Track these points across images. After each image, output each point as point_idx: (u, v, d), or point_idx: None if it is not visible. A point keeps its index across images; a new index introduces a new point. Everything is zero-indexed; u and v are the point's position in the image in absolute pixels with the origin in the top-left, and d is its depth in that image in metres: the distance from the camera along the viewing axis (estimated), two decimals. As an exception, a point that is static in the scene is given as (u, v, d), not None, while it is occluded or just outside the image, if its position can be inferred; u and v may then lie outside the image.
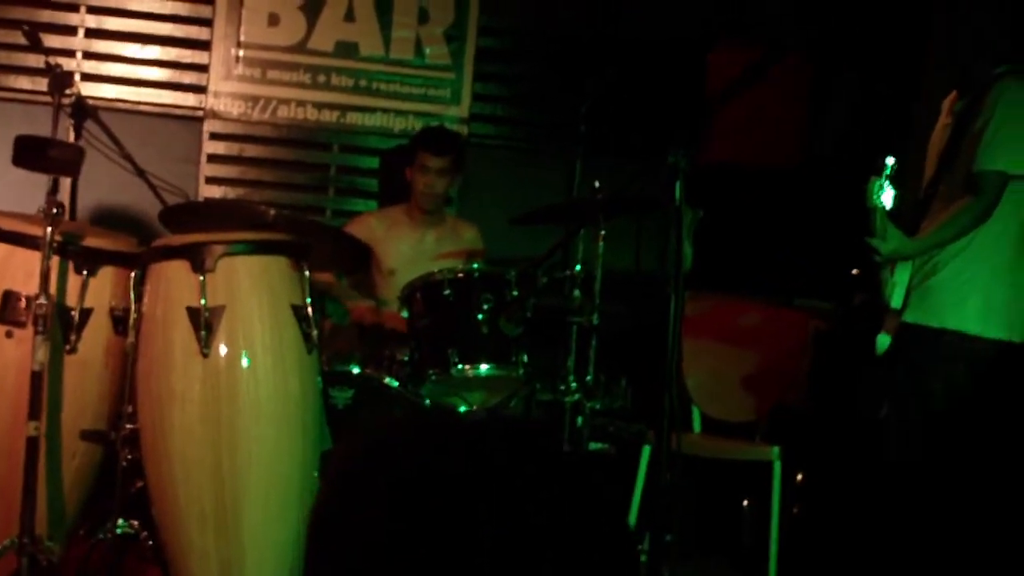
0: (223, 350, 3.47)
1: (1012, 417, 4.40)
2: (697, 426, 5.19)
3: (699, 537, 5.04)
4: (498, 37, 6.18)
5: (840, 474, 5.07)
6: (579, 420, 4.68)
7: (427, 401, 4.41)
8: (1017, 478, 4.74)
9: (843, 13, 6.11)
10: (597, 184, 4.70)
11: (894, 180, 3.83)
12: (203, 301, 3.45)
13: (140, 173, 4.58)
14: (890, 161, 3.85)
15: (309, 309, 3.61)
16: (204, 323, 3.44)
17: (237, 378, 3.46)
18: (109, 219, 5.59)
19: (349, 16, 5.95)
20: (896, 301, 4.08)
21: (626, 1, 6.18)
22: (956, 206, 4.02)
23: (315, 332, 3.61)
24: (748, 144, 5.88)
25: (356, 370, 4.37)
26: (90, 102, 4.70)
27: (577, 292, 4.70)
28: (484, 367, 4.37)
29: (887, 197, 3.86)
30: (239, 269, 3.52)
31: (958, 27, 4.18)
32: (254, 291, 3.53)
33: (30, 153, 3.51)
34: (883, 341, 4.07)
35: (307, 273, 3.64)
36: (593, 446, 4.89)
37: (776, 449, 4.75)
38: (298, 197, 6.03)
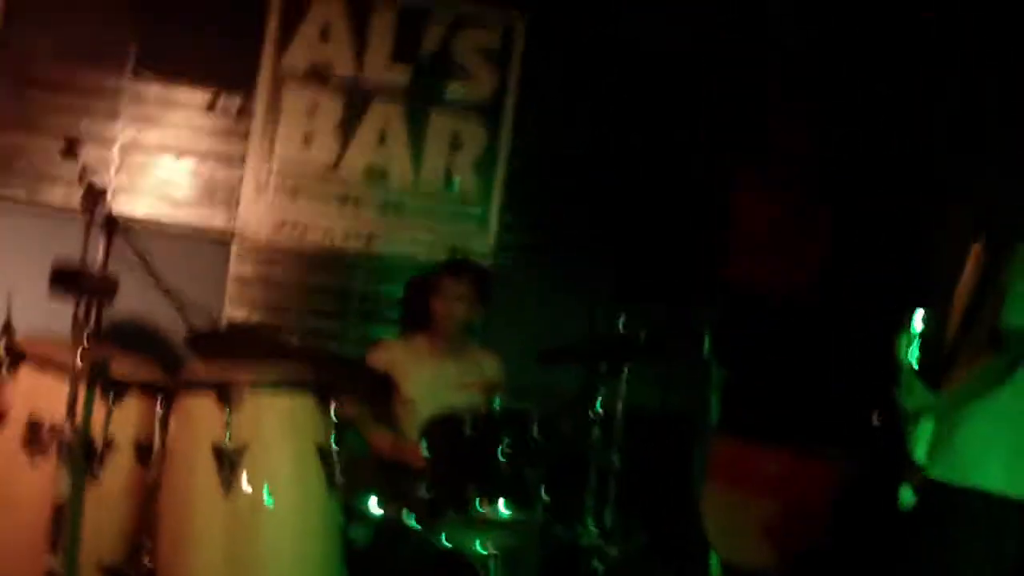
0: (246, 489, 3.45)
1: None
2: (715, 571, 5.13)
3: None
4: (529, 167, 6.19)
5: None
6: (595, 562, 4.62)
7: (444, 540, 4.36)
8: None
9: (863, 161, 6.16)
10: (622, 324, 4.70)
11: (921, 336, 3.84)
12: (228, 439, 3.44)
13: (166, 292, 4.59)
14: (918, 317, 3.85)
15: (334, 450, 3.59)
16: (228, 461, 3.43)
17: (259, 518, 3.46)
18: (134, 336, 5.58)
19: (382, 140, 5.99)
20: (920, 454, 4.05)
21: (655, 136, 6.21)
22: (981, 362, 4.01)
23: (338, 472, 3.59)
24: (767, 280, 5.88)
25: (375, 507, 4.32)
26: (121, 218, 4.74)
27: (598, 431, 4.67)
28: (504, 509, 4.32)
29: (914, 353, 3.86)
30: (265, 407, 3.53)
31: (971, 184, 4.21)
32: (279, 430, 3.54)
33: (66, 281, 3.52)
34: (907, 495, 4.04)
35: (333, 413, 3.63)
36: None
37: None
38: (321, 323, 6.01)
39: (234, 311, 5.88)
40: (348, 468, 4.81)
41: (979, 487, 4.01)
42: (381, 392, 4.94)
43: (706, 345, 3.52)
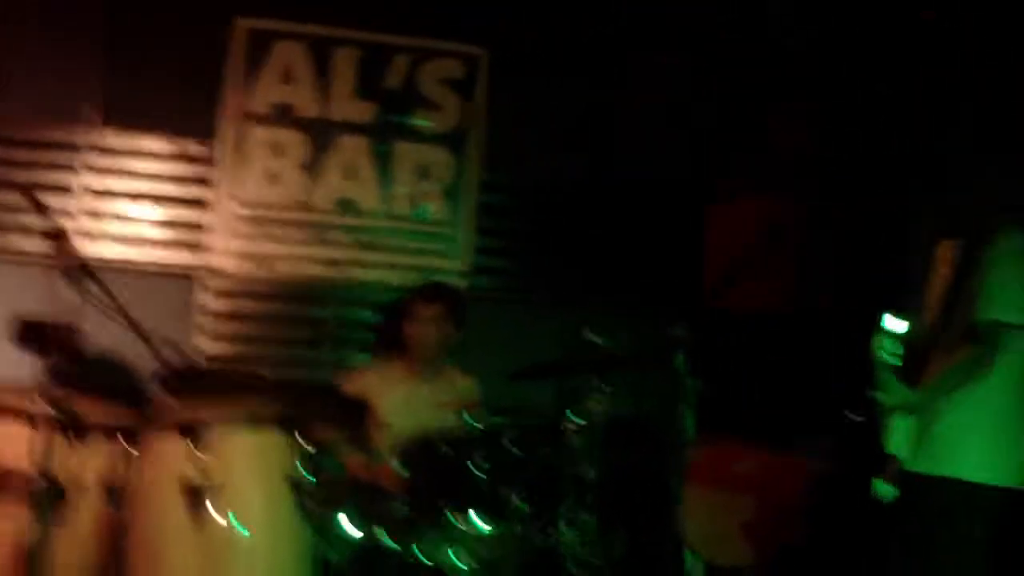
0: (218, 527, 3.44)
1: (1018, 564, 4.35)
2: (696, 573, 5.12)
3: None
4: (497, 192, 6.24)
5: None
6: (574, 569, 4.61)
7: (423, 558, 4.35)
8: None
9: (834, 163, 6.18)
10: (593, 337, 4.71)
11: (900, 338, 3.86)
12: (198, 478, 3.44)
13: (136, 330, 4.59)
14: (899, 324, 3.88)
15: (304, 480, 3.59)
16: (199, 499, 3.42)
17: (232, 554, 3.44)
18: (102, 376, 5.57)
19: (350, 174, 6.03)
20: (896, 447, 4.07)
21: (625, 156, 6.24)
22: (956, 356, 4.03)
23: (311, 503, 3.58)
24: (741, 293, 5.89)
25: (352, 529, 4.31)
26: (88, 260, 4.74)
27: (574, 444, 4.67)
28: (481, 524, 4.32)
29: (893, 354, 3.88)
30: (235, 445, 3.53)
31: (941, 184, 4.24)
32: (250, 466, 3.55)
33: (30, 337, 3.53)
34: (883, 488, 4.05)
35: (305, 445, 3.63)
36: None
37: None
38: (295, 352, 6.03)
39: (206, 345, 5.89)
40: (323, 491, 4.83)
41: (957, 477, 4.02)
42: (356, 418, 4.93)
43: (679, 359, 3.52)
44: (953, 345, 4.07)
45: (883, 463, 4.08)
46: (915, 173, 5.27)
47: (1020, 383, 4.08)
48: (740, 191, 6.28)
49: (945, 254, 4.30)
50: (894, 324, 3.89)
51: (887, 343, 3.90)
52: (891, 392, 3.94)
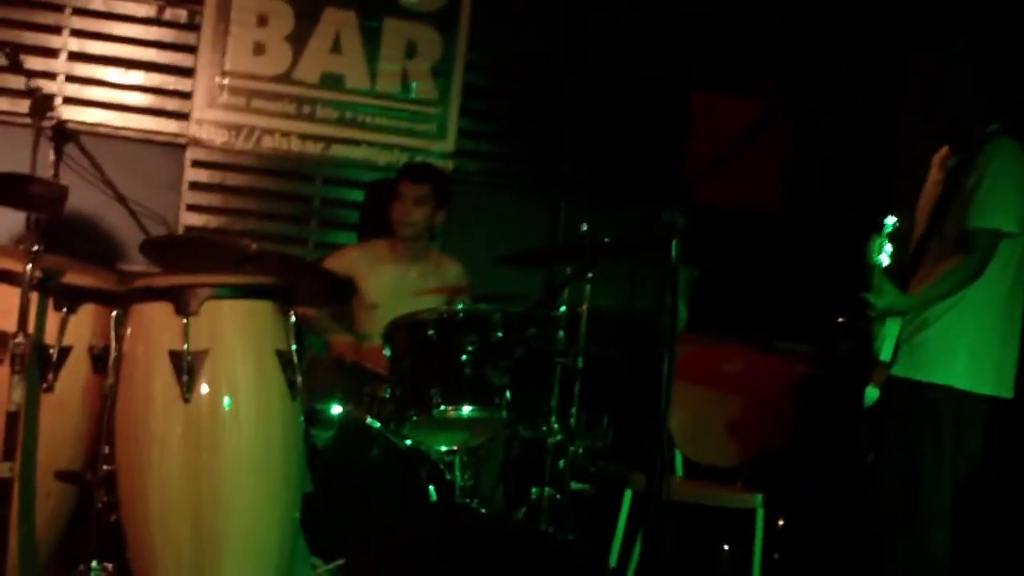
0: (205, 395, 3.41)
1: (1001, 472, 4.40)
2: (679, 469, 5.16)
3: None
4: (485, 74, 6.16)
5: (821, 521, 5.05)
6: (560, 463, 4.63)
7: (408, 442, 4.35)
8: (1005, 530, 4.74)
9: (822, 65, 6.12)
10: (585, 227, 4.67)
11: (891, 238, 3.83)
12: (186, 345, 3.39)
13: (121, 200, 4.51)
14: (890, 220, 3.84)
15: (294, 355, 3.55)
16: (186, 367, 3.38)
17: (219, 424, 3.40)
18: (89, 245, 5.49)
19: (336, 48, 5.91)
20: (885, 354, 4.06)
21: (614, 40, 6.16)
22: (949, 263, 4.02)
23: (299, 378, 3.55)
24: (728, 186, 5.86)
25: (337, 410, 4.30)
26: (71, 126, 4.63)
27: (562, 333, 4.66)
28: (467, 409, 4.32)
29: (885, 255, 3.85)
30: (224, 313, 3.47)
31: (934, 80, 4.19)
32: (238, 336, 3.48)
33: (12, 191, 3.45)
34: (872, 393, 4.06)
35: (293, 319, 3.58)
36: (574, 486, 4.84)
37: (759, 497, 4.74)
38: (280, 228, 5.96)
39: (191, 218, 5.81)
40: (309, 371, 4.81)
41: (944, 383, 4.04)
42: (341, 296, 4.90)
43: (674, 248, 3.47)
44: (944, 252, 4.06)
45: (871, 368, 4.08)
46: (908, 80, 5.23)
47: (1010, 291, 4.09)
48: (726, 84, 6.23)
49: (938, 161, 4.28)
50: (887, 224, 3.86)
51: (880, 244, 3.86)
52: (882, 295, 3.92)
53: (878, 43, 5.94)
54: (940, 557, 4.02)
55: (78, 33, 5.71)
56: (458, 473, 4.41)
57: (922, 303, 4.03)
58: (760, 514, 4.73)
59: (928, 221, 4.19)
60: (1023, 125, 4.16)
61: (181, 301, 3.43)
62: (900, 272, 4.09)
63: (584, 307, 4.60)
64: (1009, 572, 4.77)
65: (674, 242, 3.45)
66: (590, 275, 4.58)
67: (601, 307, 4.61)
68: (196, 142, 5.80)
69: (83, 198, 4.54)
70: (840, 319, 4.20)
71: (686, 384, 5.08)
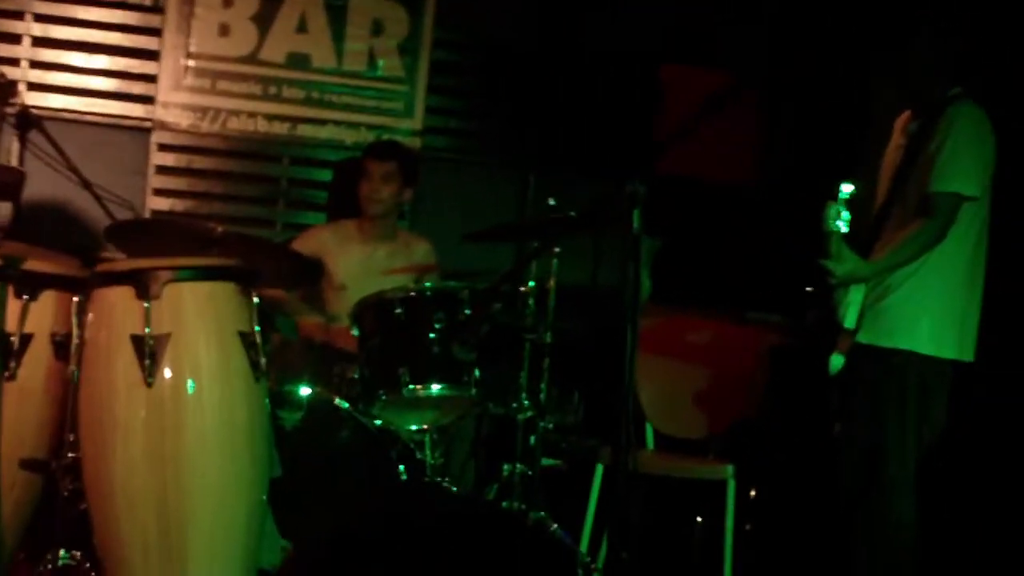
0: (168, 379, 3.39)
1: (964, 435, 4.42)
2: (650, 442, 5.17)
3: (652, 554, 5.02)
4: (452, 50, 6.14)
5: (793, 490, 5.08)
6: (531, 439, 4.63)
7: (377, 422, 4.35)
8: (970, 494, 4.77)
9: (789, 38, 6.12)
10: (552, 202, 4.66)
11: (850, 204, 3.82)
12: (148, 329, 3.37)
13: (86, 185, 4.50)
14: (847, 188, 3.84)
15: (257, 336, 3.54)
16: (149, 351, 3.36)
17: (183, 408, 3.39)
18: (53, 232, 5.47)
19: (301, 27, 5.89)
20: (849, 321, 4.08)
21: (579, 14, 6.15)
22: (910, 228, 4.03)
23: (263, 359, 3.54)
24: (699, 159, 5.86)
25: (306, 391, 4.29)
26: (36, 112, 4.62)
27: (530, 308, 4.65)
28: (436, 387, 4.30)
29: (843, 222, 3.85)
30: (185, 296, 3.45)
31: (900, 53, 4.19)
32: (200, 318, 3.46)
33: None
34: (836, 361, 4.08)
35: (255, 299, 3.57)
36: (546, 462, 4.85)
37: (730, 468, 4.75)
38: (248, 210, 5.96)
39: (158, 202, 5.79)
40: (279, 354, 4.81)
41: (907, 348, 4.05)
42: (310, 277, 4.89)
43: (635, 219, 3.46)
44: (906, 218, 4.07)
45: (838, 335, 4.09)
46: (875, 46, 5.23)
47: (973, 255, 4.10)
48: (695, 55, 6.22)
49: (900, 126, 4.29)
50: (844, 190, 3.85)
51: (837, 211, 3.86)
52: (842, 262, 3.92)
53: (850, 12, 5.94)
54: (905, 525, 4.04)
55: (41, 18, 5.69)
56: (428, 452, 4.39)
57: (883, 269, 4.04)
58: (731, 485, 4.75)
59: (890, 186, 4.19)
60: (985, 88, 4.16)
61: (142, 285, 3.41)
62: (864, 238, 4.10)
63: (552, 282, 4.59)
64: (974, 538, 4.80)
65: (635, 212, 3.44)
66: (557, 250, 4.57)
67: (569, 281, 4.60)
68: (162, 125, 5.79)
69: (49, 184, 4.56)
70: (809, 288, 4.21)
71: (656, 356, 5.10)
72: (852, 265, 3.95)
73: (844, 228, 3.84)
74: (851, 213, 3.83)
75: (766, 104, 6.28)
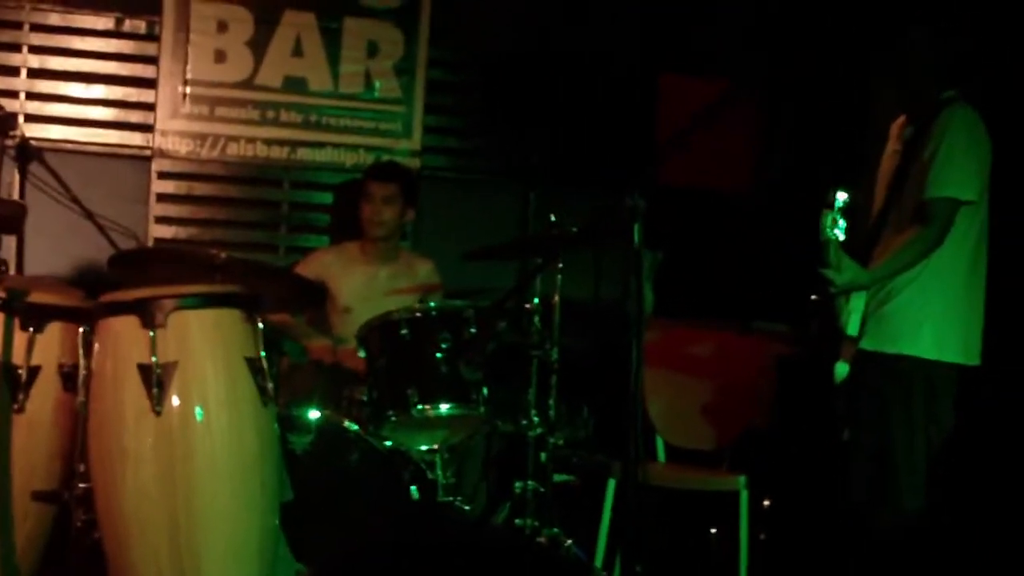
0: (176, 407, 3.39)
1: (971, 439, 4.41)
2: (661, 455, 5.17)
3: (667, 567, 5.00)
4: (448, 69, 6.15)
5: (805, 499, 5.07)
6: (542, 455, 4.63)
7: (388, 443, 4.34)
8: (978, 498, 4.76)
9: (788, 45, 6.12)
10: (553, 218, 4.66)
11: (846, 212, 3.82)
12: (154, 358, 3.38)
13: (88, 216, 4.49)
14: (841, 196, 3.83)
15: (263, 361, 3.54)
16: (156, 380, 3.37)
17: (191, 435, 3.39)
18: (57, 264, 5.49)
19: (297, 51, 5.90)
20: (852, 328, 4.08)
21: (575, 30, 6.15)
22: (908, 234, 4.03)
23: (271, 385, 3.54)
24: (699, 168, 5.87)
25: (315, 414, 4.29)
26: (35, 143, 4.62)
27: (536, 325, 4.65)
28: (444, 407, 4.31)
29: (840, 230, 3.84)
30: (191, 323, 3.45)
31: (897, 58, 4.19)
32: (206, 346, 3.46)
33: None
34: (841, 369, 4.08)
35: (260, 325, 3.57)
36: (558, 478, 4.84)
37: (743, 479, 4.75)
38: (250, 235, 5.96)
39: (160, 230, 5.80)
40: (288, 378, 4.81)
41: (911, 354, 4.05)
42: (313, 301, 4.88)
43: (636, 233, 3.47)
44: (903, 224, 4.07)
45: (841, 343, 4.09)
46: (874, 50, 5.24)
47: (973, 259, 4.10)
48: (694, 65, 6.23)
49: (895, 132, 4.29)
50: (839, 198, 3.85)
51: (832, 219, 3.86)
52: (841, 270, 3.91)
53: (847, 18, 5.95)
54: (915, 529, 4.03)
55: (37, 50, 5.70)
56: (440, 472, 4.39)
57: (883, 276, 4.04)
58: (744, 495, 4.75)
59: (886, 193, 4.19)
60: (980, 91, 4.16)
61: (147, 314, 3.41)
62: (863, 244, 4.10)
63: (556, 298, 4.59)
64: (984, 540, 4.79)
65: (636, 226, 3.44)
66: (560, 265, 4.58)
67: (571, 297, 4.60)
68: (161, 153, 5.79)
69: (51, 216, 4.55)
70: (812, 297, 4.20)
71: (663, 369, 5.10)
72: (852, 274, 3.93)
73: (841, 236, 3.83)
74: (847, 220, 3.81)
75: (765, 111, 6.28)
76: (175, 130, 5.79)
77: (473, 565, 3.89)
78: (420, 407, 4.27)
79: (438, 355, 4.33)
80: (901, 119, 4.27)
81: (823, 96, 6.13)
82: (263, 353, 3.56)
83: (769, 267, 5.92)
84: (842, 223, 3.81)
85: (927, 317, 4.06)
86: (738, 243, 6.15)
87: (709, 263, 6.04)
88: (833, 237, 3.83)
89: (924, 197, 3.99)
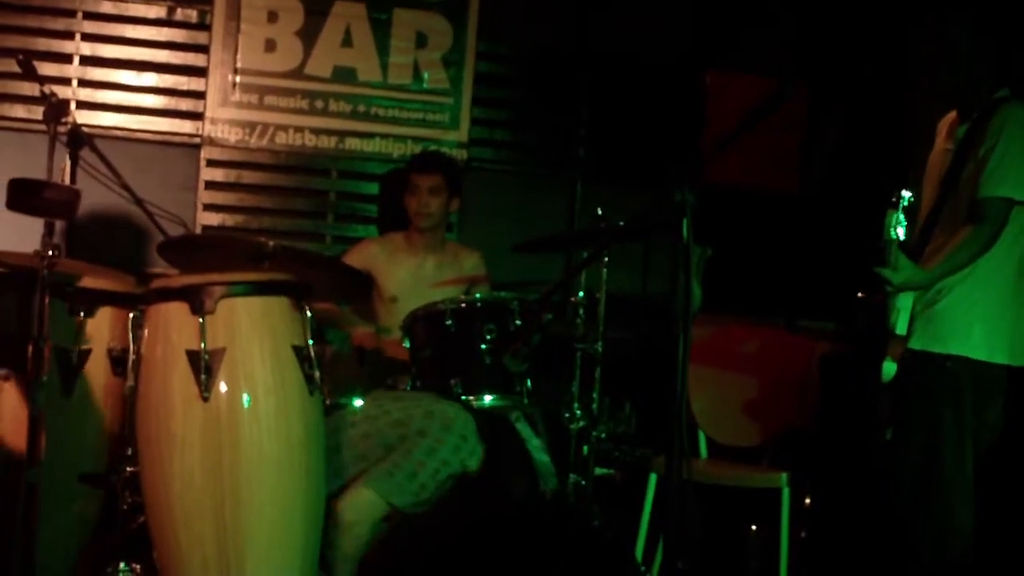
0: (224, 393, 3.42)
1: (1021, 441, 4.38)
2: (704, 451, 5.16)
3: (707, 563, 5.00)
4: (496, 62, 6.15)
5: (848, 498, 5.04)
6: (584, 448, 4.63)
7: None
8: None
9: (836, 43, 6.09)
10: (600, 211, 4.65)
11: (907, 212, 3.81)
12: (203, 344, 3.40)
13: (138, 202, 4.52)
14: (906, 194, 3.83)
15: (311, 350, 3.56)
16: (204, 366, 3.39)
17: (238, 422, 3.41)
18: (107, 249, 5.53)
19: (347, 42, 5.92)
20: (900, 327, 4.05)
21: (624, 24, 6.14)
22: (962, 234, 3.99)
23: (317, 373, 3.55)
24: (746, 166, 5.85)
25: (360, 403, 4.30)
26: (86, 130, 4.65)
27: (581, 318, 4.65)
28: (488, 398, 4.31)
29: (902, 229, 3.84)
30: (239, 310, 3.47)
31: (944, 56, 4.16)
32: (255, 333, 3.48)
33: (25, 197, 3.46)
34: (889, 368, 4.05)
35: (308, 313, 3.59)
36: (599, 472, 4.84)
37: (784, 476, 4.73)
38: (297, 223, 5.98)
39: (208, 217, 5.84)
40: (332, 367, 4.82)
41: (960, 354, 4.02)
42: (360, 290, 4.90)
43: (685, 228, 3.45)
44: (956, 223, 4.04)
45: (888, 342, 4.07)
46: (918, 49, 5.20)
47: (1022, 259, 4.06)
48: (743, 63, 6.20)
49: (944, 129, 4.25)
50: (905, 196, 3.84)
51: (897, 219, 3.85)
52: (899, 270, 3.89)
53: (893, 15, 5.91)
54: (963, 529, 4.01)
55: (89, 37, 5.75)
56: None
57: (939, 276, 4.01)
58: (786, 493, 4.73)
59: (938, 191, 4.15)
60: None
61: (196, 300, 3.44)
62: (913, 244, 4.08)
63: (602, 291, 4.59)
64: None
65: (685, 222, 3.42)
66: (606, 259, 4.57)
67: (618, 291, 4.60)
68: (211, 141, 5.83)
69: (100, 202, 4.58)
70: (859, 294, 4.18)
71: (707, 365, 5.09)
72: (908, 273, 3.92)
73: (902, 236, 3.83)
74: (907, 220, 3.81)
75: (813, 110, 6.25)
76: (224, 118, 5.82)
77: (521, 541, 3.92)
78: (464, 397, 4.27)
79: (483, 346, 4.34)
80: (950, 116, 4.24)
81: (871, 94, 6.09)
82: (311, 341, 3.58)
83: (815, 265, 5.89)
84: (903, 222, 3.80)
85: (977, 317, 4.02)
86: (784, 241, 6.12)
87: (755, 260, 6.01)
88: (895, 237, 3.82)
89: (978, 196, 3.96)
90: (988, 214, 3.95)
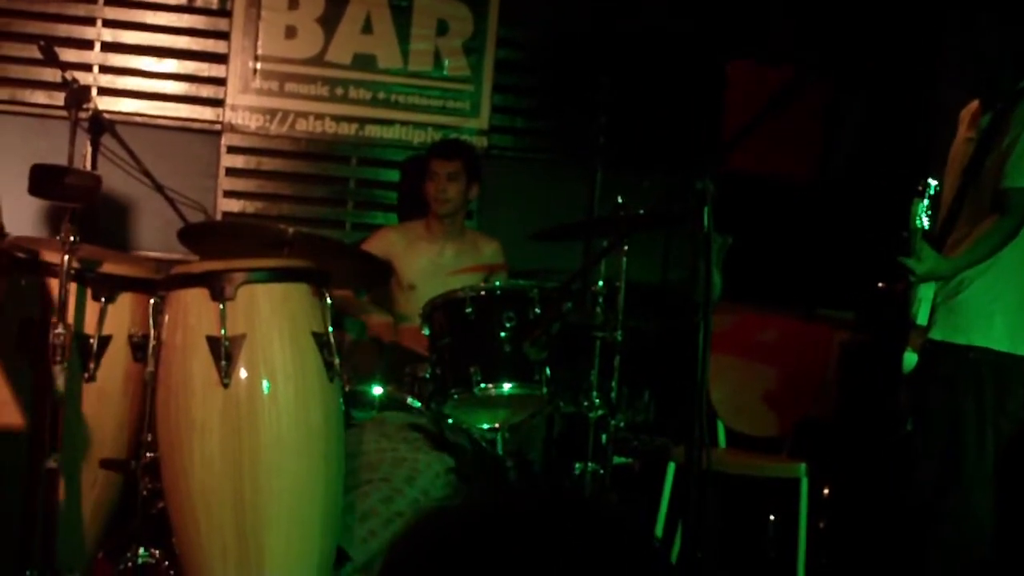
0: (243, 379, 3.43)
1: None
2: (722, 440, 5.15)
3: (725, 553, 5.00)
4: (517, 49, 6.13)
5: (866, 488, 5.03)
6: (603, 437, 4.63)
7: (450, 420, 4.36)
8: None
9: (857, 32, 6.06)
10: (620, 199, 4.64)
11: (932, 201, 3.80)
12: (223, 330, 3.41)
13: (158, 188, 4.53)
14: (932, 182, 3.81)
15: (331, 336, 3.56)
16: (224, 352, 3.40)
17: (258, 408, 3.42)
18: (128, 235, 5.56)
19: (367, 28, 5.91)
20: (921, 318, 4.03)
21: (645, 12, 6.12)
22: (985, 224, 3.97)
23: (337, 360, 3.56)
24: (766, 155, 5.82)
25: (378, 391, 4.32)
26: (107, 117, 4.66)
27: (600, 307, 4.64)
28: (507, 386, 4.31)
29: (926, 219, 3.82)
30: (259, 297, 3.48)
31: (968, 45, 4.13)
32: (274, 319, 3.49)
33: (46, 183, 3.47)
34: (910, 359, 4.04)
35: (328, 300, 3.59)
36: (617, 460, 4.84)
37: (803, 466, 4.72)
38: (317, 210, 5.99)
39: (228, 204, 5.85)
40: (350, 354, 4.83)
41: (982, 345, 4.00)
42: (379, 278, 4.90)
43: (706, 217, 3.44)
44: (979, 213, 4.02)
45: (909, 332, 4.05)
46: (943, 36, 5.17)
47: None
48: (762, 52, 6.18)
49: (967, 118, 4.23)
50: (931, 185, 3.82)
51: (922, 208, 3.83)
52: (923, 259, 3.88)
53: (915, 4, 5.88)
54: (982, 521, 4.00)
55: (111, 23, 5.75)
56: (501, 450, 4.41)
57: (962, 266, 3.99)
58: (804, 483, 4.72)
59: (960, 181, 4.13)
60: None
61: (216, 287, 3.45)
62: (935, 233, 4.06)
63: (622, 280, 4.58)
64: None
65: (706, 210, 3.41)
66: (626, 247, 4.56)
67: (638, 279, 4.59)
68: (231, 128, 5.83)
69: (121, 187, 4.60)
70: (880, 284, 4.17)
71: (726, 354, 5.07)
72: (932, 263, 3.91)
73: (927, 225, 3.81)
74: (932, 209, 3.80)
75: (833, 99, 6.22)
76: (245, 105, 5.83)
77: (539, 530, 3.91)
78: (483, 385, 4.27)
79: (502, 334, 4.33)
80: (972, 106, 4.21)
81: (891, 84, 6.06)
82: (330, 328, 3.58)
83: (835, 254, 5.87)
84: (928, 212, 3.79)
85: (998, 308, 4.01)
86: (805, 230, 6.10)
87: (775, 249, 5.99)
88: (920, 226, 3.81)
89: (1001, 186, 3.93)
90: (1011, 205, 3.93)
